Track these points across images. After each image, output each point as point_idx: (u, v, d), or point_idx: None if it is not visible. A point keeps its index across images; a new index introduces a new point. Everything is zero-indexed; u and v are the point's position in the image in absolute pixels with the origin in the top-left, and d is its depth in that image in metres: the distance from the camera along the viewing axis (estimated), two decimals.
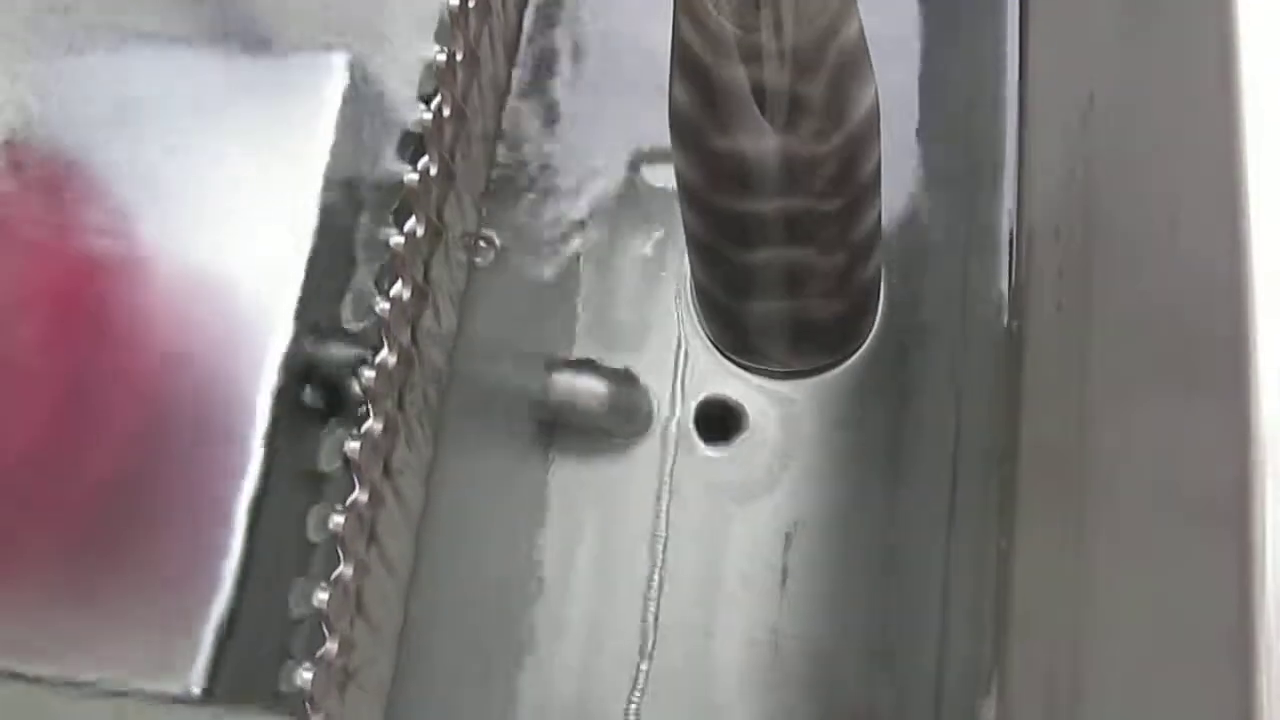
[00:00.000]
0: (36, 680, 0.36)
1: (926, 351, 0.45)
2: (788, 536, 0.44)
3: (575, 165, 0.48)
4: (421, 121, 0.35)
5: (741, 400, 0.46)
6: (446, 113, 0.35)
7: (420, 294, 0.35)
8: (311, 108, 0.41)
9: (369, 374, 0.33)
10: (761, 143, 0.30)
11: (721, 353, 0.45)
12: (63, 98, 0.43)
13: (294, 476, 0.39)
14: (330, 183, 0.40)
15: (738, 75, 0.29)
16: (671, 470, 0.45)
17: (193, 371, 0.40)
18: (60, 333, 0.42)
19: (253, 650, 0.37)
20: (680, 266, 0.47)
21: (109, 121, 0.42)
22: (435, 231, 0.36)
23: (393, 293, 0.33)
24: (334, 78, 0.41)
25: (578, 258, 0.48)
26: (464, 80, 0.37)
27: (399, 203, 0.34)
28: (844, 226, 0.34)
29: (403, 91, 0.43)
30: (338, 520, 0.32)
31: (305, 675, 0.31)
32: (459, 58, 0.35)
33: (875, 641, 0.42)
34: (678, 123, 0.32)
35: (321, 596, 0.32)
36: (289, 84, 0.42)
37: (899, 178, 0.47)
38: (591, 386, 0.46)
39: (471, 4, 0.34)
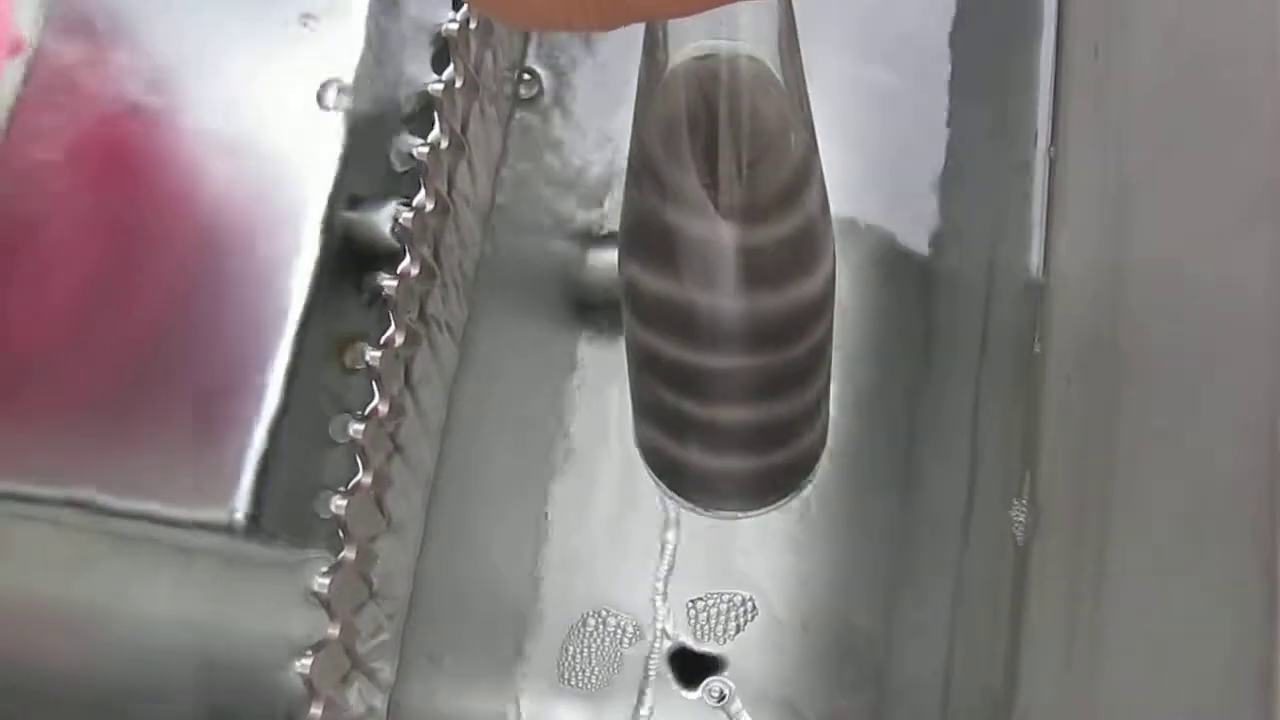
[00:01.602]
0: (86, 506, 0.37)
1: (942, 401, 0.45)
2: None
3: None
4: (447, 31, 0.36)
5: None
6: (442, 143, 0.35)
7: (457, 145, 0.36)
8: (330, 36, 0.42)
9: (406, 214, 0.34)
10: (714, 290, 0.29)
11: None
12: None
13: (332, 320, 0.40)
14: (370, 38, 0.41)
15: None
16: None
17: (236, 218, 0.41)
18: (110, 177, 0.43)
19: (291, 488, 0.38)
20: None
21: None
22: (472, 84, 0.37)
23: (430, 138, 0.34)
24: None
25: (613, 135, 0.48)
26: None
27: (436, 50, 0.35)
28: (795, 383, 0.33)
29: None
30: (374, 354, 0.33)
31: (339, 503, 0.32)
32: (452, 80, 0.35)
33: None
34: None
35: (356, 427, 0.33)
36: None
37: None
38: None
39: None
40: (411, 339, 0.35)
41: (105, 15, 0.43)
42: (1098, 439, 0.34)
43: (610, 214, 0.47)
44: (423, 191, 0.34)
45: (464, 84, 0.36)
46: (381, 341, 0.34)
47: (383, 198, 0.41)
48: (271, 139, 0.41)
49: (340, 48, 0.41)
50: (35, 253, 0.42)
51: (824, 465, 0.38)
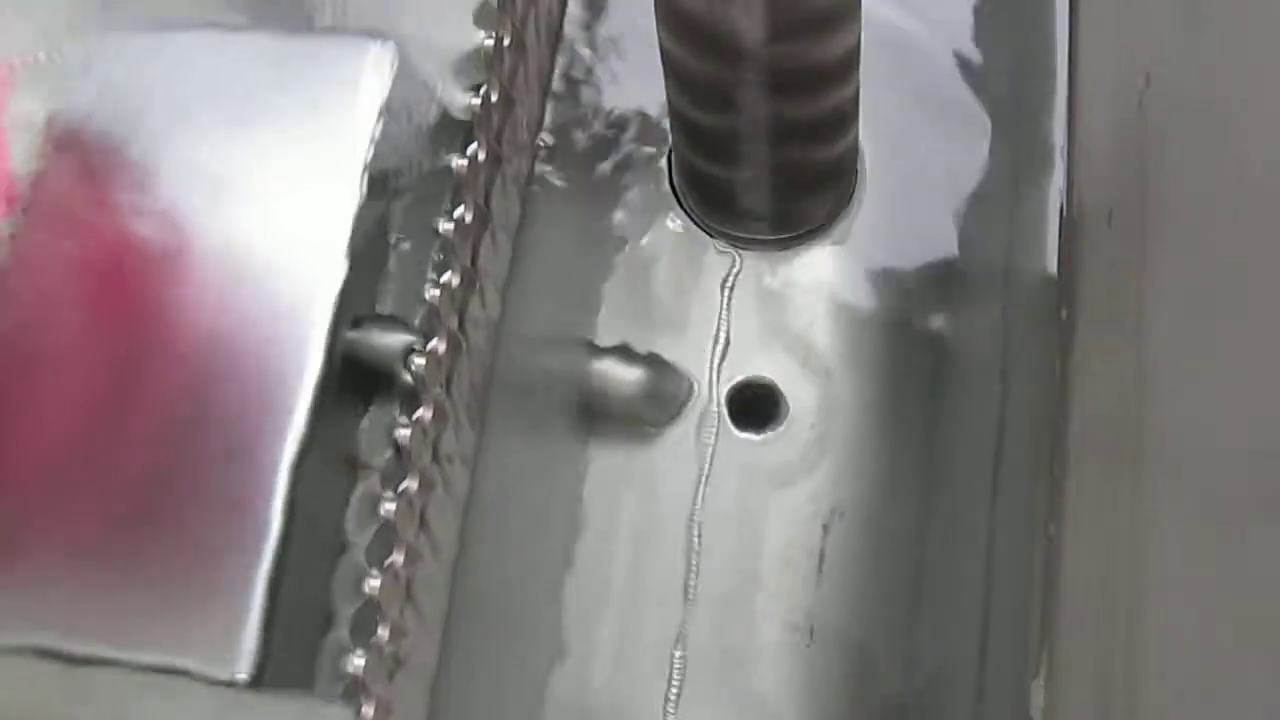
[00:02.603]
0: (84, 661, 0.36)
1: (969, 336, 0.45)
2: (824, 526, 0.43)
3: (610, 149, 0.48)
4: (470, 108, 0.35)
5: (779, 384, 0.45)
6: (495, 99, 0.35)
7: (469, 280, 0.35)
8: (355, 94, 0.41)
9: (419, 361, 0.33)
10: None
11: (710, 230, 0.46)
12: (110, 83, 0.43)
13: (335, 462, 0.39)
14: (374, 169, 0.40)
15: None
16: (708, 455, 0.45)
17: (236, 356, 0.40)
18: (106, 315, 0.42)
19: (299, 637, 0.37)
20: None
21: (155, 106, 0.42)
22: (482, 217, 0.36)
23: (442, 279, 0.33)
24: (377, 64, 0.41)
25: (615, 242, 0.48)
26: (510, 66, 0.37)
27: (450, 190, 0.34)
28: (826, 80, 0.35)
29: (446, 77, 0.43)
30: (389, 507, 0.32)
31: (357, 662, 0.31)
32: (506, 43, 0.35)
33: (917, 629, 0.42)
34: None
35: (373, 583, 0.32)
36: (333, 71, 0.42)
37: (943, 162, 0.47)
38: (627, 374, 0.46)
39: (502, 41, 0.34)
40: (426, 484, 0.34)
41: (105, 144, 0.42)
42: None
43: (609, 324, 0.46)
44: (438, 335, 0.33)
45: (474, 218, 0.35)
46: (398, 490, 0.33)
47: (388, 320, 0.40)
48: (272, 263, 0.40)
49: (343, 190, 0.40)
50: (28, 388, 0.40)
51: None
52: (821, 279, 0.46)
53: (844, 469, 0.45)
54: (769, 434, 0.46)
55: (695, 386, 0.46)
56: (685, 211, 0.47)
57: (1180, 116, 0.32)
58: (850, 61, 0.36)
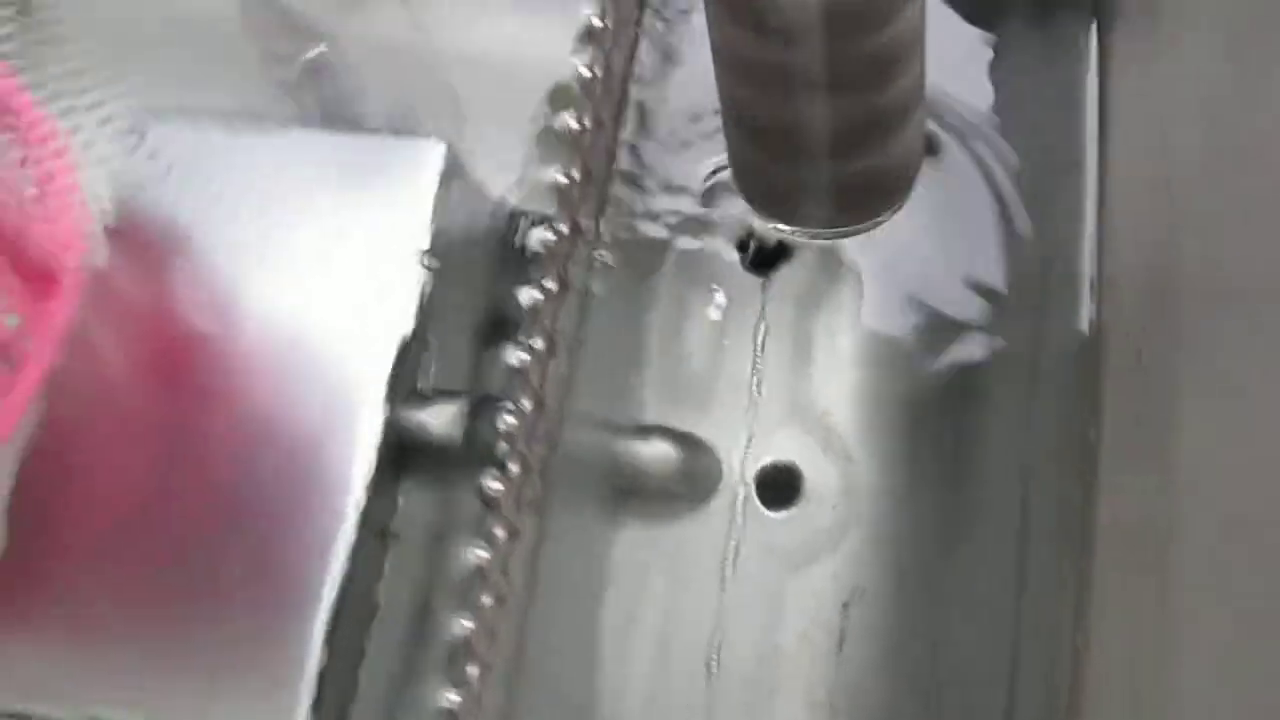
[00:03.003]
0: None
1: (994, 407, 0.47)
2: (845, 604, 0.45)
3: (654, 242, 0.50)
4: (544, 242, 0.37)
5: (802, 464, 0.47)
6: (565, 231, 0.36)
7: (551, 345, 0.37)
8: (409, 190, 0.43)
9: (510, 420, 0.36)
10: None
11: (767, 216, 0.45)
12: (173, 172, 0.45)
13: (379, 534, 0.41)
14: (424, 259, 0.42)
15: None
16: (734, 533, 0.46)
17: (289, 437, 0.42)
18: (166, 392, 0.43)
19: (341, 702, 0.39)
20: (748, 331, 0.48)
21: (215, 197, 0.44)
22: (565, 288, 0.38)
23: (534, 345, 0.34)
24: (430, 163, 0.43)
25: (653, 326, 0.49)
26: (578, 200, 0.39)
27: (537, 265, 0.35)
28: (885, 71, 0.35)
29: (496, 176, 0.45)
30: (481, 554, 0.34)
31: (453, 698, 0.33)
32: (576, 178, 0.37)
33: (938, 711, 0.44)
34: None
35: (466, 624, 0.33)
36: (388, 167, 0.44)
37: (969, 254, 0.49)
38: (660, 453, 0.48)
39: (588, 124, 0.36)
40: (512, 532, 0.36)
41: (167, 227, 0.44)
42: None
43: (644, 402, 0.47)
44: (514, 463, 0.35)
45: (559, 289, 0.37)
46: (488, 538, 0.35)
47: (441, 394, 0.41)
48: (329, 344, 0.42)
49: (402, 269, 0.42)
50: (89, 464, 0.42)
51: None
52: (847, 362, 0.48)
53: (865, 549, 0.46)
54: (792, 512, 0.47)
55: (724, 465, 0.47)
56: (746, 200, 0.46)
57: (1210, 246, 0.33)
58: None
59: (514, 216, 0.49)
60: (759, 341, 0.49)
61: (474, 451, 0.44)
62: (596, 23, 0.36)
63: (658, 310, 0.50)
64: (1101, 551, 0.40)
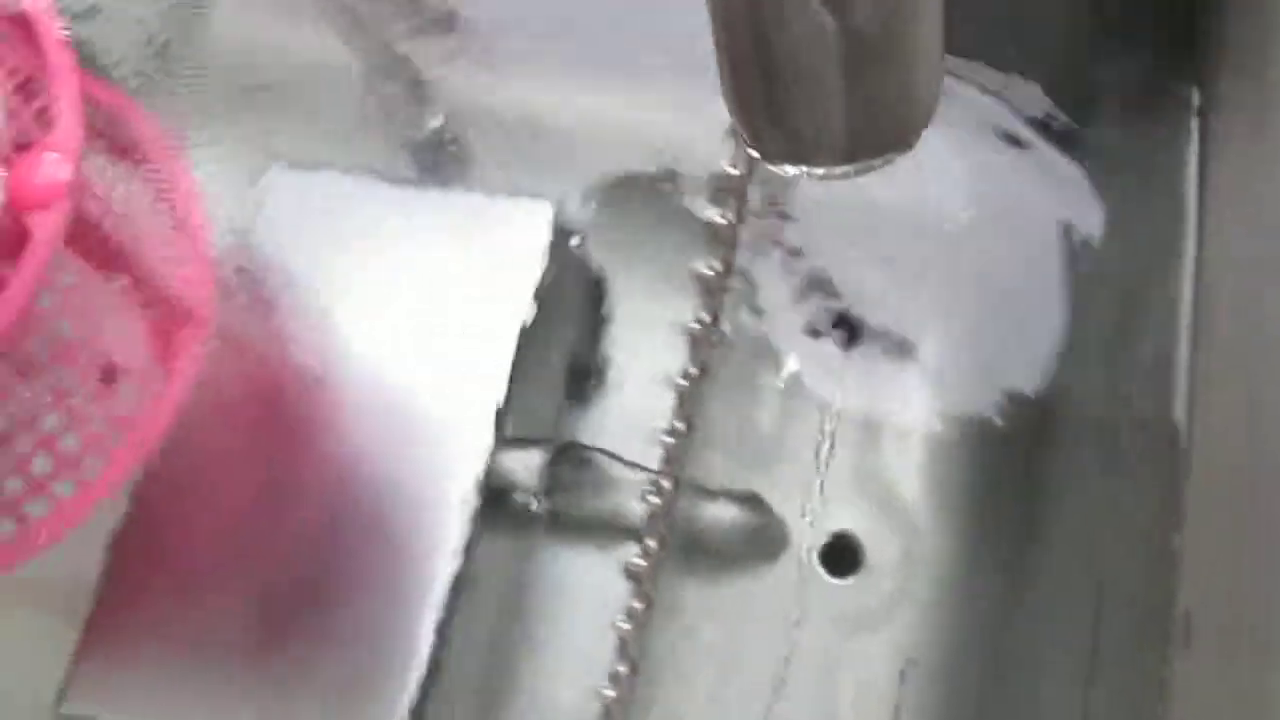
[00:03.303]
0: None
1: (1069, 494, 0.48)
2: (902, 673, 0.46)
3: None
4: (691, 330, 0.38)
5: (865, 534, 0.49)
6: (709, 320, 0.38)
7: (690, 425, 0.38)
8: (516, 247, 0.45)
9: (655, 500, 0.36)
10: None
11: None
12: (288, 218, 0.46)
13: (466, 580, 0.42)
14: (529, 317, 0.43)
15: None
16: (794, 598, 0.48)
17: (389, 480, 0.43)
18: (269, 435, 0.44)
19: None
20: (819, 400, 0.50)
21: (327, 244, 0.45)
22: (704, 374, 0.39)
23: (678, 426, 0.36)
24: (538, 223, 0.45)
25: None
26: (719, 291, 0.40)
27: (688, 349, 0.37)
28: None
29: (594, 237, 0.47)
30: (624, 627, 0.35)
31: None
32: (719, 270, 0.38)
33: None
34: None
35: (608, 694, 0.35)
36: (498, 225, 0.46)
37: (1048, 322, 0.50)
38: (724, 514, 0.49)
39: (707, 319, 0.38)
40: (649, 603, 0.37)
41: (282, 274, 0.45)
42: None
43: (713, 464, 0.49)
44: (653, 539, 0.37)
45: (699, 374, 0.38)
46: (629, 612, 0.36)
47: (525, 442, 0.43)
48: (434, 393, 0.43)
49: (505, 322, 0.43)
50: (192, 493, 0.42)
51: None
52: (917, 437, 0.50)
53: (922, 620, 0.48)
54: (854, 581, 0.49)
55: (789, 529, 0.49)
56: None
57: None
58: None
59: (599, 281, 0.50)
60: (830, 410, 0.51)
61: (554, 498, 0.45)
62: None
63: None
64: (1184, 654, 0.41)
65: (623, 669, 0.36)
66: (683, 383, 0.38)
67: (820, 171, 0.37)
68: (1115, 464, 0.47)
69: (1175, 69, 0.50)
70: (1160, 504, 0.44)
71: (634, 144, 0.50)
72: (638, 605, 0.37)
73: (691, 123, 0.49)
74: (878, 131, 0.37)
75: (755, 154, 0.37)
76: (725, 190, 0.40)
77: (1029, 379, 0.50)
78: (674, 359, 0.48)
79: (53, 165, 0.35)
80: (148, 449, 0.41)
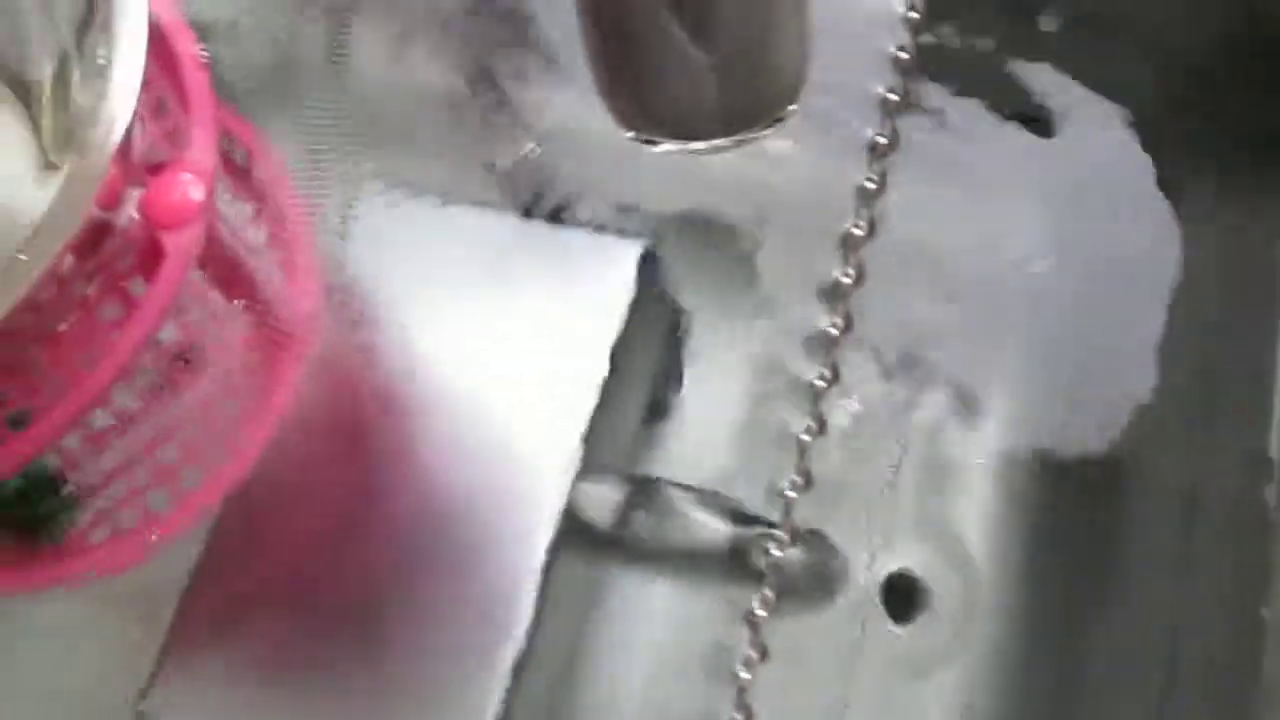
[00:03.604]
0: None
1: (1144, 551, 0.48)
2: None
3: None
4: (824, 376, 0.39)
5: (928, 576, 0.49)
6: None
7: (809, 480, 0.39)
8: (605, 284, 0.46)
9: (776, 552, 0.37)
10: None
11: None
12: (381, 243, 0.46)
13: (557, 611, 0.43)
14: (613, 350, 0.44)
15: None
16: (854, 639, 0.49)
17: (469, 505, 0.43)
18: (354, 458, 0.44)
19: None
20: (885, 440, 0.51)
21: (419, 270, 0.46)
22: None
23: (797, 481, 0.37)
24: (628, 261, 0.46)
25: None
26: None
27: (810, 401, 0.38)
28: None
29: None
30: (745, 675, 0.36)
31: None
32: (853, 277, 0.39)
33: None
34: None
35: None
36: (588, 260, 0.46)
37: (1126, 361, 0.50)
38: (791, 550, 0.50)
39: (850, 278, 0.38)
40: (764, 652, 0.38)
41: (365, 294, 0.45)
42: None
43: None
44: (771, 589, 0.38)
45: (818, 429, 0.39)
46: (746, 661, 0.37)
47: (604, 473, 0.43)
48: (519, 420, 0.44)
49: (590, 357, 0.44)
50: (276, 512, 0.43)
51: None
52: (984, 478, 0.51)
53: (982, 667, 0.48)
54: (915, 624, 0.50)
55: (851, 568, 0.50)
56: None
57: None
58: None
59: (677, 313, 0.51)
60: (896, 451, 0.51)
61: (628, 529, 0.46)
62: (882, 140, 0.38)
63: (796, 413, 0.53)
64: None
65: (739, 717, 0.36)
66: (806, 437, 0.39)
67: (700, 145, 0.38)
68: (1195, 527, 0.47)
69: (1275, 118, 0.49)
70: (1246, 571, 0.43)
71: (727, 185, 0.51)
72: (754, 654, 0.37)
73: (786, 171, 0.50)
74: (748, 104, 0.37)
75: (629, 133, 0.38)
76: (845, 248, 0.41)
77: (1105, 432, 0.51)
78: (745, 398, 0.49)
79: (188, 185, 0.36)
80: (245, 465, 0.41)
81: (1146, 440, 0.50)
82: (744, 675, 0.37)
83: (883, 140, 0.38)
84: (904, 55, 0.38)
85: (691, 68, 0.36)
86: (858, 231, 0.38)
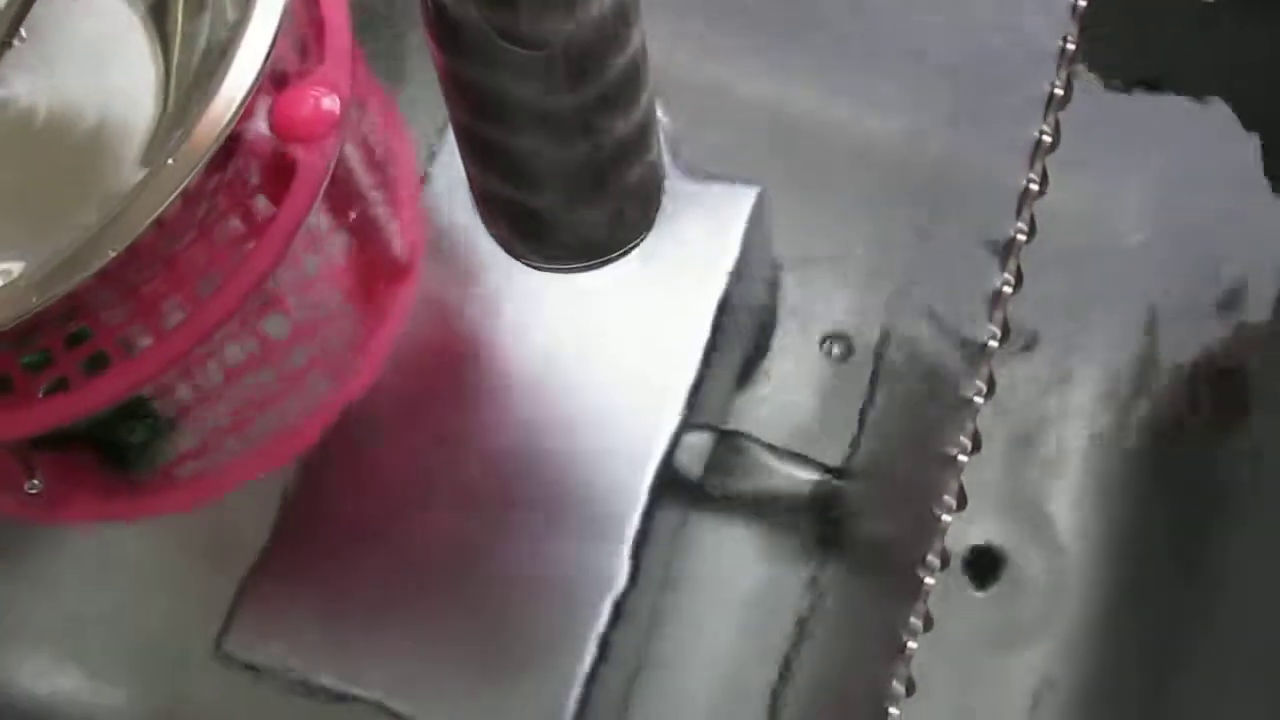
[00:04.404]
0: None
1: (1246, 534, 0.47)
2: (1038, 693, 0.46)
3: None
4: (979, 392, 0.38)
5: (1010, 548, 0.49)
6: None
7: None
8: (719, 228, 0.44)
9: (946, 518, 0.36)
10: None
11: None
12: None
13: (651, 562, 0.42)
14: (727, 298, 0.43)
15: None
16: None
17: (567, 455, 0.42)
18: (453, 404, 0.43)
19: None
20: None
21: None
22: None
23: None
24: (741, 206, 0.44)
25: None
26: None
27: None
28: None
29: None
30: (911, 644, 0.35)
31: None
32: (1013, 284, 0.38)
33: None
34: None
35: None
36: (702, 205, 0.45)
37: None
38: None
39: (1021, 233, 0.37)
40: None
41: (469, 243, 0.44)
42: None
43: None
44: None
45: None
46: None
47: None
48: (624, 364, 0.42)
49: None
50: (363, 456, 0.42)
51: None
52: (1074, 450, 0.50)
53: (1065, 643, 0.48)
54: (994, 593, 0.49)
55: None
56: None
57: None
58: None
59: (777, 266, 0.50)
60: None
61: (717, 484, 0.45)
62: (1047, 138, 0.36)
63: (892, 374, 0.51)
64: None
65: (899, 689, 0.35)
66: (976, 398, 0.37)
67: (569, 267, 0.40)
68: None
69: None
70: None
71: (847, 144, 0.50)
72: (917, 623, 0.36)
73: (908, 125, 0.49)
74: (590, 243, 0.39)
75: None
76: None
77: (1193, 400, 0.50)
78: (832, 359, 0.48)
79: (320, 98, 0.34)
80: (349, 397, 0.40)
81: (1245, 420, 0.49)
82: (912, 645, 0.35)
83: (1047, 137, 0.37)
84: (1070, 46, 0.37)
85: (560, 218, 0.38)
86: (1033, 187, 0.37)
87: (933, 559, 0.34)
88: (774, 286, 0.51)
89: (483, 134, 0.35)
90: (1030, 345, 0.52)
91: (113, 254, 0.27)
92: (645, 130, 0.36)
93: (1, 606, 0.42)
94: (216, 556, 0.42)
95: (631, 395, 0.44)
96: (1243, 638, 0.46)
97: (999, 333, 0.35)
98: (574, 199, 0.37)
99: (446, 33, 0.32)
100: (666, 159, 0.43)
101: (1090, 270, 0.53)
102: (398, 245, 0.41)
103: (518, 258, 0.40)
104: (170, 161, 0.28)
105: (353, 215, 0.38)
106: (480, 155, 0.36)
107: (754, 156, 0.49)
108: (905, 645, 0.33)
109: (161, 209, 0.28)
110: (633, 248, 0.40)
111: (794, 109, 0.51)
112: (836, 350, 0.51)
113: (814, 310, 0.52)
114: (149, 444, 0.38)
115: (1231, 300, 0.52)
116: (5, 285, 0.27)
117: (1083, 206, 0.53)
